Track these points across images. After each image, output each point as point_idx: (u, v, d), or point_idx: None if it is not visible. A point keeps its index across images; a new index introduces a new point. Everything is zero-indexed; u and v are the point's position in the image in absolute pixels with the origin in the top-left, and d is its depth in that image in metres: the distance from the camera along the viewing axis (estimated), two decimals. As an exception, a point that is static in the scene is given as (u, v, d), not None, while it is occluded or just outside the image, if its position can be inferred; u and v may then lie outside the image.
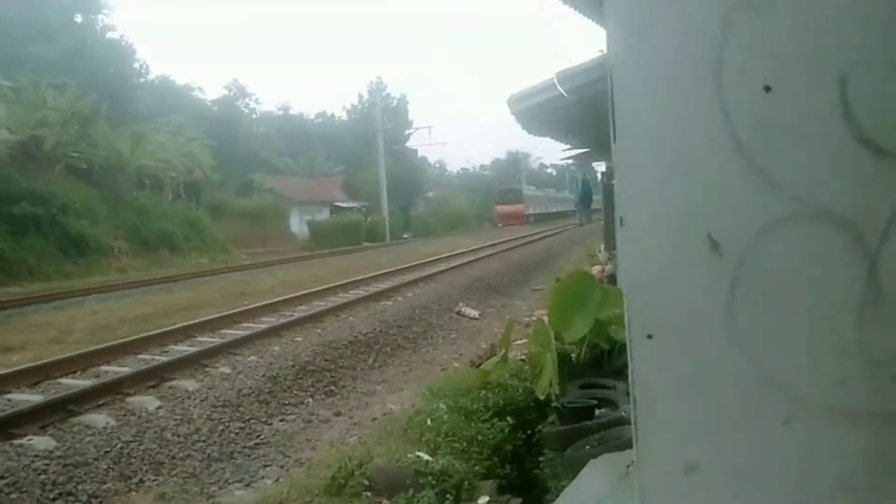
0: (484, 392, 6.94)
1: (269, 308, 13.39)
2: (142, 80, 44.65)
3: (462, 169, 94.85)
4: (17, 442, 6.11)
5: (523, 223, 62.44)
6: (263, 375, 8.40)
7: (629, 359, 1.62)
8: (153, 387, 7.91)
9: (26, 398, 7.48)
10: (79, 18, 42.20)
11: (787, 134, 1.47)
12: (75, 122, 28.25)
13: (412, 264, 22.23)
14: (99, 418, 6.78)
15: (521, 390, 7.00)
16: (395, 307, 13.68)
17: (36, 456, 5.81)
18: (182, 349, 9.87)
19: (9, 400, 7.48)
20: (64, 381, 8.33)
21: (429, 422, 6.22)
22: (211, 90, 59.74)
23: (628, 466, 3.35)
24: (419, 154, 73.83)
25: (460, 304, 14.37)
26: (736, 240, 1.51)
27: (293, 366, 8.90)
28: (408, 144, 68.70)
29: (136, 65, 43.46)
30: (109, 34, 42.17)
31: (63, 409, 6.91)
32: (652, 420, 1.61)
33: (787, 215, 1.47)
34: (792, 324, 1.49)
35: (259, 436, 6.81)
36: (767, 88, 1.47)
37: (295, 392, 8.20)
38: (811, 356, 1.49)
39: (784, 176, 1.47)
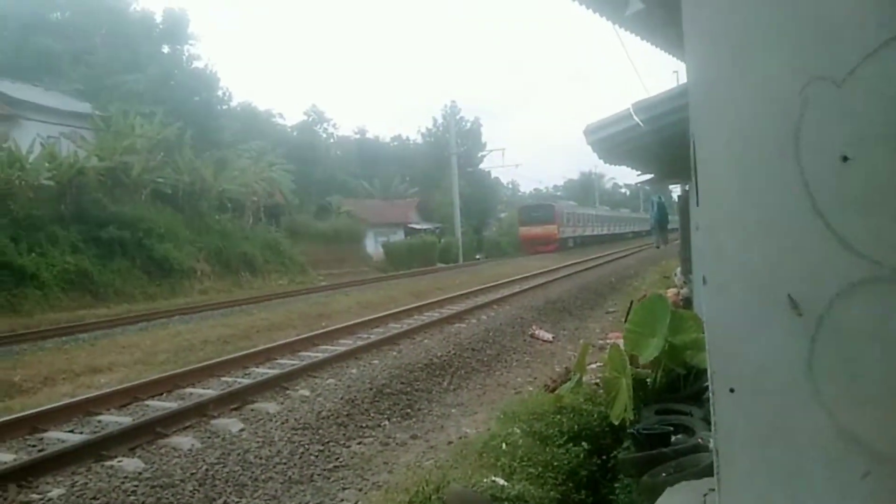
0: (558, 416, 6.91)
1: (347, 330, 13.64)
2: (225, 107, 46.24)
3: (535, 189, 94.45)
4: (108, 463, 6.40)
5: (554, 249, 51.73)
6: (341, 398, 8.56)
7: (712, 411, 1.67)
8: (236, 409, 8.17)
9: (116, 420, 7.82)
10: (166, 49, 44.16)
11: (865, 201, 1.52)
12: (161, 149, 29.42)
13: (485, 286, 22.30)
14: (185, 440, 7.04)
15: (595, 415, 6.94)
16: (469, 330, 13.74)
17: (126, 477, 6.07)
18: (263, 371, 10.14)
19: (99, 422, 7.84)
20: (151, 402, 8.67)
21: (504, 446, 6.22)
22: (291, 116, 61.39)
23: (706, 495, 3.32)
24: (492, 175, 74.15)
25: (534, 327, 14.34)
26: (815, 300, 1.56)
27: (370, 388, 9.05)
28: (481, 166, 69.02)
29: (220, 92, 45.05)
30: (195, 64, 43.96)
31: (151, 431, 7.20)
32: (733, 470, 1.64)
33: (865, 278, 1.51)
34: (870, 381, 1.51)
35: (338, 458, 6.94)
36: (844, 158, 1.52)
37: (372, 415, 8.33)
38: (889, 412, 1.50)
39: (862, 241, 1.51)
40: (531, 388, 9.39)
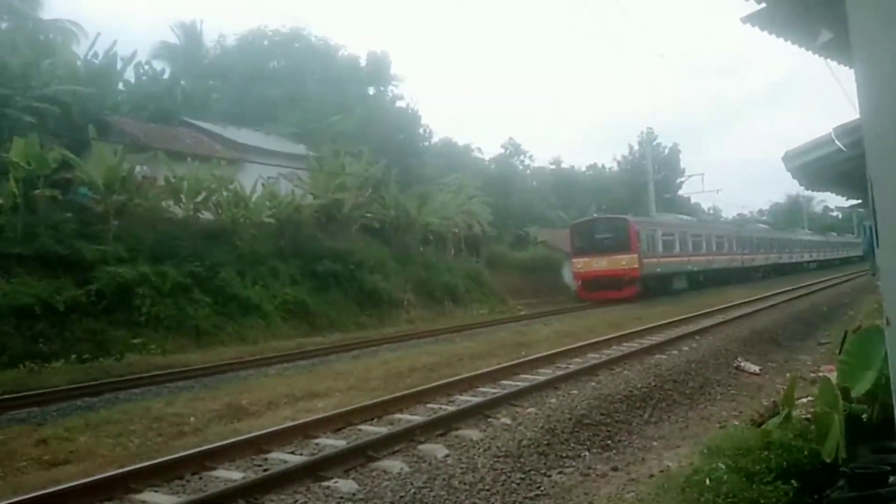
0: (766, 452, 6.68)
1: (546, 360, 13.84)
2: (426, 143, 48.41)
3: (738, 214, 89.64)
4: (325, 484, 6.96)
5: (630, 295, 32.88)
6: (541, 427, 8.75)
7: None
8: (441, 435, 8.60)
9: (332, 443, 8.46)
10: (371, 91, 47.14)
11: None
12: (369, 186, 31.31)
13: (685, 316, 21.63)
14: (394, 464, 7.51)
15: (806, 452, 6.63)
16: (670, 361, 13.49)
17: (341, 498, 6.58)
18: (466, 399, 10.57)
19: (317, 444, 8.52)
20: (363, 427, 9.27)
21: (707, 481, 6.13)
22: (488, 149, 62.80)
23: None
24: (692, 201, 71.51)
25: (739, 359, 13.80)
26: None
27: (569, 419, 9.17)
28: (679, 192, 66.86)
29: (421, 130, 47.30)
30: (398, 103, 46.53)
31: (363, 455, 7.73)
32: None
33: None
34: None
35: (539, 487, 7.13)
36: None
37: (572, 445, 8.45)
38: None
39: None
40: (736, 422, 9.11)
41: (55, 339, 16.65)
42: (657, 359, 13.75)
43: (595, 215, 43.70)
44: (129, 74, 37.90)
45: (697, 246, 40.99)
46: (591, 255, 34.31)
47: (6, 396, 12.64)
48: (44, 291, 17.07)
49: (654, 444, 8.67)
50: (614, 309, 28.23)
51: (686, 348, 15.09)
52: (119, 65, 34.91)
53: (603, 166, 73.97)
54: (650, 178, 49.39)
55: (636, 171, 61.02)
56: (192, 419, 10.28)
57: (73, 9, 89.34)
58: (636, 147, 67.78)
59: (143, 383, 13.97)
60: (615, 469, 7.71)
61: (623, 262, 33.06)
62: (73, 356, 16.17)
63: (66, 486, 6.86)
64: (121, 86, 37.17)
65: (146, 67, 40.74)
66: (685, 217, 48.78)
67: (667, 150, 69.27)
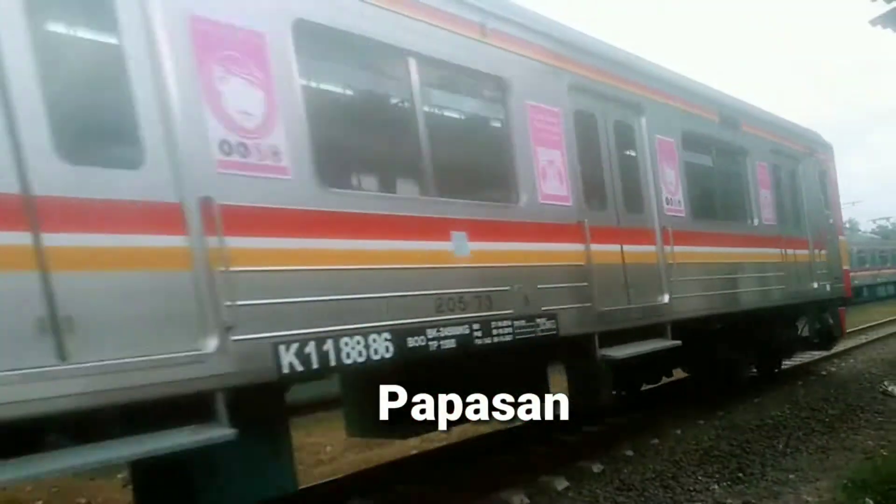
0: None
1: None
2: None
3: (877, 226, 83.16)
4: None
5: None
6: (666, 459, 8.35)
7: None
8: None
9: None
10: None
11: None
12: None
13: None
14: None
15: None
16: (807, 387, 12.74)
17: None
18: None
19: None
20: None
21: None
22: None
23: None
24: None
25: (886, 383, 12.80)
26: None
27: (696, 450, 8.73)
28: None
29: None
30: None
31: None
32: None
33: None
34: None
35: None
36: None
37: (699, 477, 8.01)
38: None
39: None
40: (884, 453, 8.42)
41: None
42: (791, 385, 12.95)
43: None
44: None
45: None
46: None
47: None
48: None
49: (791, 476, 8.07)
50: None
51: (823, 372, 14.17)
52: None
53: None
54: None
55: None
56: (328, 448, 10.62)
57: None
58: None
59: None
60: (747, 504, 7.22)
61: None
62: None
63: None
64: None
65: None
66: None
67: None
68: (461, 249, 6.08)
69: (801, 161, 13.12)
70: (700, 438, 9.20)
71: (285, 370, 4.65)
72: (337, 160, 5.68)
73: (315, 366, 4.82)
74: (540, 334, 6.78)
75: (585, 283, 7.46)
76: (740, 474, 8.22)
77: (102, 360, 3.78)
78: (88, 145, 4.13)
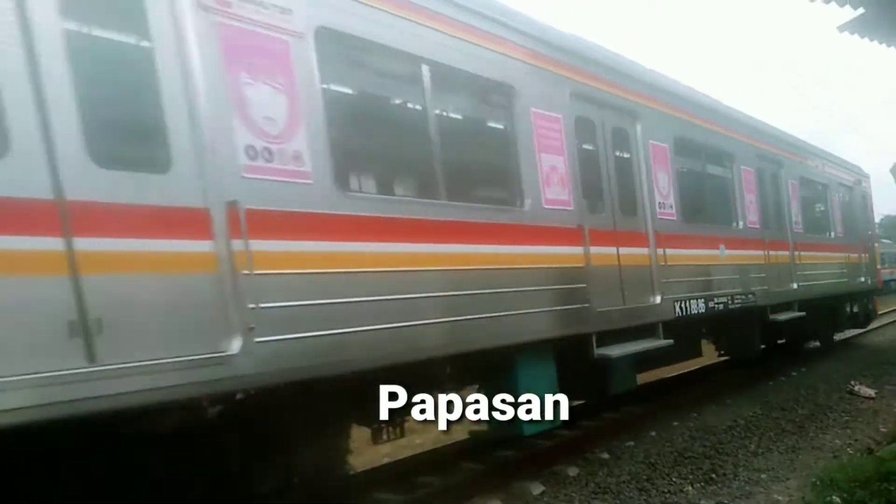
0: (884, 483, 6.42)
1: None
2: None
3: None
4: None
5: None
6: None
7: None
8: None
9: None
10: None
11: None
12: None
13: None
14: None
15: (930, 481, 6.34)
16: (777, 387, 13.06)
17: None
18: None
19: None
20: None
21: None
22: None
23: None
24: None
25: (852, 382, 13.20)
26: None
27: (670, 452, 8.97)
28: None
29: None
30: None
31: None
32: None
33: None
34: None
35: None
36: None
37: (673, 479, 8.25)
38: None
39: None
40: (851, 451, 8.75)
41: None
42: (763, 384, 13.30)
43: None
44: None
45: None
46: None
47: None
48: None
49: (762, 476, 8.37)
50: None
51: (794, 374, 14.53)
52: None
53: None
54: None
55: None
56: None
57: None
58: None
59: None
60: (720, 504, 7.47)
61: None
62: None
63: None
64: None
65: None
66: None
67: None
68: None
69: (853, 189, 17.99)
70: (674, 440, 9.38)
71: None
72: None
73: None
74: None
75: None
76: (713, 475, 8.43)
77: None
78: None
